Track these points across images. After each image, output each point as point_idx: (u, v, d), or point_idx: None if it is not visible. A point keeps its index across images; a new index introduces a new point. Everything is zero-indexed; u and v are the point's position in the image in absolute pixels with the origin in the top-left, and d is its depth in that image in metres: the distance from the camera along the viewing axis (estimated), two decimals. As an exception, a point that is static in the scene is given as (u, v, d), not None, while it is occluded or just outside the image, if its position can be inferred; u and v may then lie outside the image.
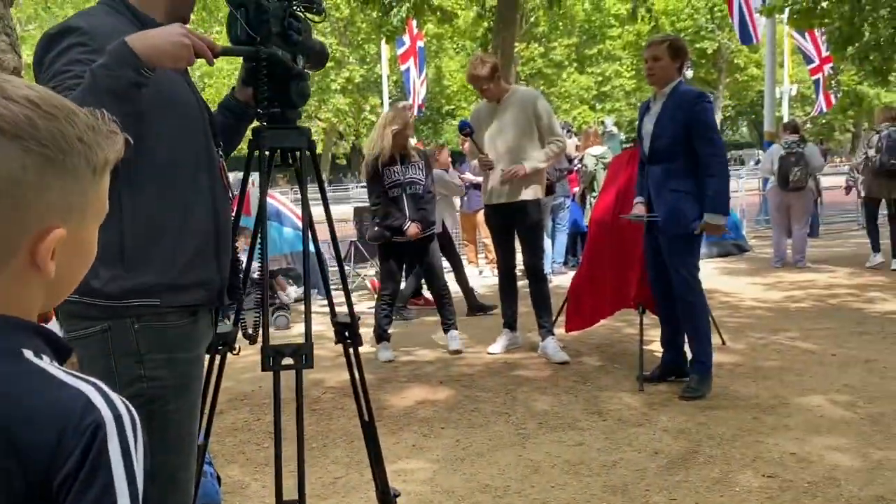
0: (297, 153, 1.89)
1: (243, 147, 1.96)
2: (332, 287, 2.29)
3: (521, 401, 3.77)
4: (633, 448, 3.07)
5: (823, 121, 32.26)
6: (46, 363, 0.72)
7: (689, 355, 3.88)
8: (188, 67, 1.50)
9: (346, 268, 7.69)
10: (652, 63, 3.77)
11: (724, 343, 4.61)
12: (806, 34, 14.96)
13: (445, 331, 4.90)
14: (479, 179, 5.39)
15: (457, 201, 7.89)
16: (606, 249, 4.44)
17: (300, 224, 2.59)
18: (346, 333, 1.98)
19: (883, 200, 7.48)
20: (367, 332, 5.45)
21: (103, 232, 0.80)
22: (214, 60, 1.49)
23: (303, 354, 1.79)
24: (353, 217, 8.11)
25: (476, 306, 6.14)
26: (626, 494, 2.66)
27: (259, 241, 1.87)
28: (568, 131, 8.25)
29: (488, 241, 7.17)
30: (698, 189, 3.65)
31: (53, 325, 1.84)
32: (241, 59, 1.77)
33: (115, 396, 0.71)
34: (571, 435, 3.25)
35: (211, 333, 1.69)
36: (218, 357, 1.92)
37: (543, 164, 4.55)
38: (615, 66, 32.45)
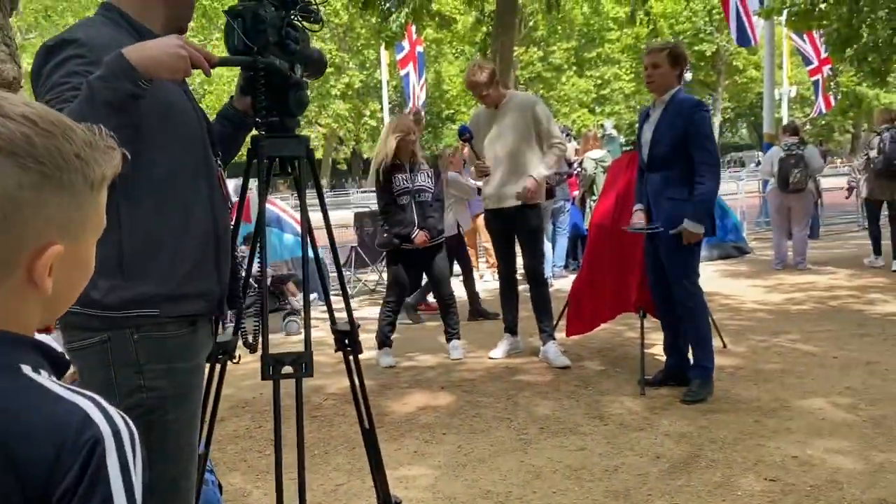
0: (296, 161, 1.89)
1: (243, 153, 1.96)
2: (331, 294, 2.29)
3: (522, 406, 3.77)
4: (635, 452, 3.07)
5: (823, 122, 32.26)
6: (45, 378, 0.72)
7: (691, 360, 3.88)
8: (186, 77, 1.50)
9: (347, 273, 7.72)
10: (651, 70, 3.78)
11: (725, 346, 4.61)
12: (804, 36, 14.98)
13: (448, 339, 4.90)
14: (480, 184, 5.40)
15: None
16: (606, 253, 4.44)
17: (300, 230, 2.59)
18: (346, 341, 1.98)
19: (884, 202, 7.49)
20: (368, 337, 5.47)
21: (102, 243, 0.81)
22: (211, 71, 1.49)
23: (302, 363, 1.79)
24: (353, 222, 8.12)
25: (479, 312, 6.15)
26: (628, 499, 2.65)
27: (258, 249, 1.87)
28: (567, 135, 8.26)
29: (489, 245, 7.17)
30: None
31: (45, 338, 1.84)
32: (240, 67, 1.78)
33: (113, 411, 0.72)
34: (573, 440, 3.25)
35: (211, 343, 1.69)
36: (218, 366, 1.92)
37: (551, 170, 4.59)
38: (614, 69, 32.49)
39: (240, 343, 1.99)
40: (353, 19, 25.93)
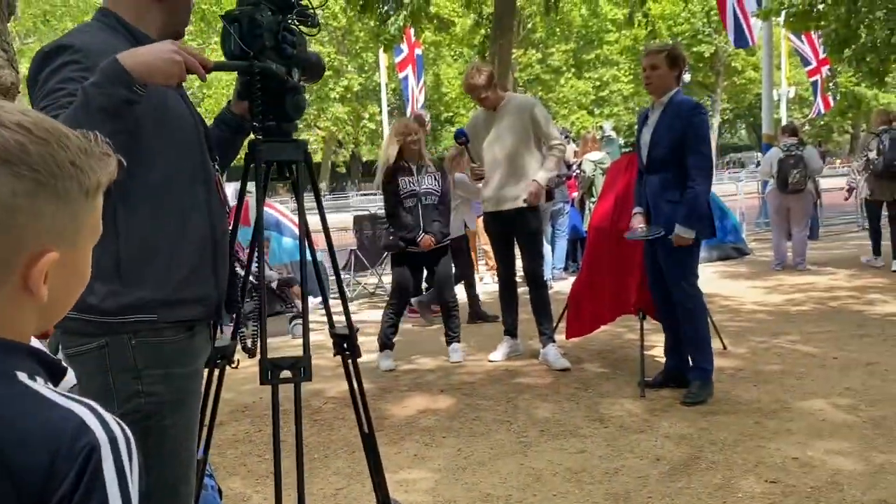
0: (294, 165, 1.89)
1: (241, 157, 1.96)
2: (330, 298, 2.29)
3: (522, 408, 3.76)
4: (635, 455, 3.06)
5: (822, 123, 32.29)
6: (40, 385, 0.72)
7: (691, 361, 3.88)
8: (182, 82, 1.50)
9: (347, 276, 7.72)
10: (650, 72, 3.78)
11: (724, 348, 4.60)
12: (803, 36, 14.99)
13: (448, 343, 4.89)
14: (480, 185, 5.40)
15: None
16: (606, 255, 4.44)
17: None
18: (345, 345, 1.98)
19: (885, 202, 7.50)
20: (368, 340, 5.46)
21: (99, 248, 0.81)
22: (209, 75, 1.49)
23: (301, 367, 1.79)
24: (352, 226, 8.12)
25: (479, 315, 6.15)
26: (629, 502, 2.65)
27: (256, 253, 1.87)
28: (566, 137, 8.26)
29: (488, 247, 7.17)
30: None
31: (37, 343, 1.83)
32: None
33: (109, 417, 0.72)
34: (573, 442, 3.25)
35: (209, 347, 1.69)
36: (217, 371, 1.92)
37: (553, 172, 4.60)
38: (613, 70, 32.52)
39: (239, 347, 1.99)
40: (351, 22, 25.96)
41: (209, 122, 1.83)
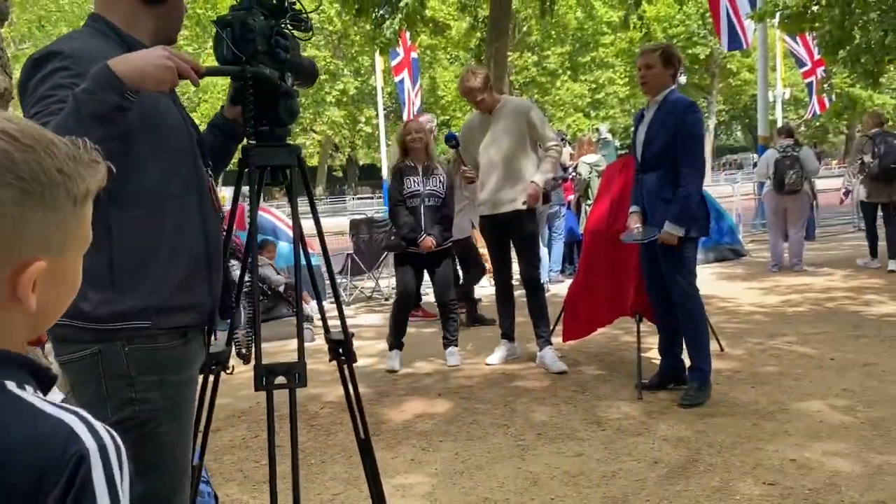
0: (288, 170, 1.88)
1: (236, 161, 1.96)
2: (325, 302, 2.28)
3: (519, 412, 3.75)
4: (633, 458, 3.06)
5: (817, 124, 32.39)
6: (30, 394, 0.72)
7: (687, 362, 3.87)
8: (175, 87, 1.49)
9: (344, 280, 7.71)
10: (645, 71, 3.79)
11: (722, 349, 4.60)
12: (797, 38, 15.03)
13: (445, 346, 4.89)
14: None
15: None
16: (602, 258, 4.44)
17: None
18: (340, 351, 1.97)
19: (879, 204, 7.52)
20: (365, 344, 5.45)
21: (91, 255, 0.80)
22: (204, 80, 1.49)
23: (296, 373, 1.78)
24: (349, 229, 8.11)
25: (476, 318, 6.14)
26: (627, 505, 2.64)
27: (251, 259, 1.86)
28: (562, 139, 8.27)
29: (485, 251, 7.17)
30: None
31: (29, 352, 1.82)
32: None
33: (99, 426, 0.71)
34: (571, 445, 3.24)
35: (203, 354, 1.68)
36: (211, 377, 1.91)
37: (550, 174, 4.61)
38: (608, 73, 32.59)
39: (234, 353, 1.98)
40: (346, 26, 25.98)
41: (205, 127, 1.83)
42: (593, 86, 32.78)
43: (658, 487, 2.76)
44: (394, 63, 15.74)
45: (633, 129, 4.11)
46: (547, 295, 4.99)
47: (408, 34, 11.21)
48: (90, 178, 0.75)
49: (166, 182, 1.51)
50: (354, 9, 8.89)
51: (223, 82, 24.18)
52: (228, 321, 1.89)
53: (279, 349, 5.58)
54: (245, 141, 1.83)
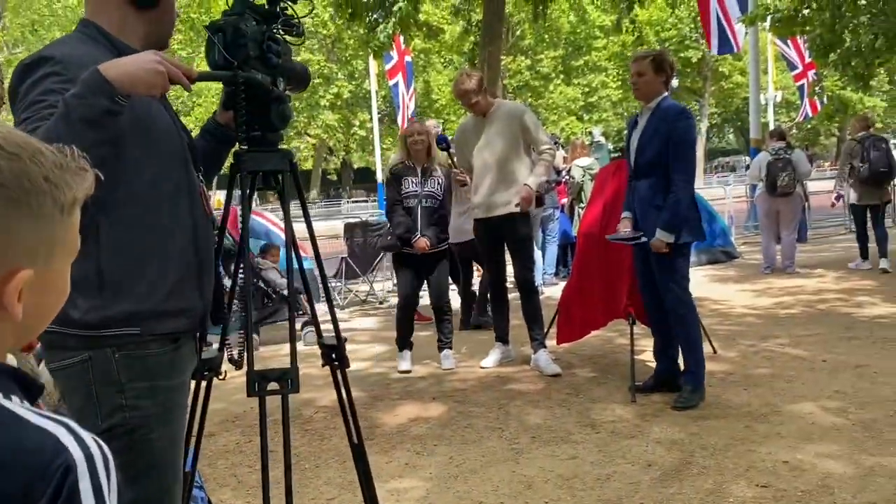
0: (280, 175, 1.88)
1: (228, 165, 1.95)
2: (320, 307, 2.28)
3: (514, 415, 3.75)
4: (627, 461, 3.06)
5: (809, 126, 32.55)
6: (15, 404, 0.71)
7: (682, 365, 3.88)
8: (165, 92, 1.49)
9: (338, 284, 7.69)
10: (636, 78, 3.82)
11: (715, 352, 4.61)
12: (789, 41, 15.12)
13: (440, 349, 4.89)
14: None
15: None
16: (595, 261, 4.45)
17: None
18: (333, 356, 1.97)
19: (868, 206, 7.57)
20: (358, 348, 5.44)
21: (81, 262, 0.80)
22: (198, 85, 1.48)
23: (288, 379, 1.78)
24: (343, 233, 8.10)
25: (480, 322, 6.13)
26: (620, 508, 2.64)
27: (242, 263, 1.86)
28: (556, 143, 8.29)
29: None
30: None
31: (11, 360, 1.81)
32: None
33: (86, 435, 0.71)
34: (565, 448, 3.24)
35: (195, 360, 1.67)
36: (204, 382, 1.90)
37: (543, 177, 4.62)
38: (601, 76, 32.67)
39: (226, 358, 1.97)
40: (340, 30, 25.98)
41: (197, 132, 1.82)
42: (586, 89, 32.85)
43: (652, 490, 2.76)
44: (388, 67, 15.77)
45: (626, 134, 4.12)
46: (541, 298, 4.98)
47: (401, 38, 11.22)
48: (77, 187, 0.74)
49: (157, 186, 1.50)
50: (348, 13, 8.91)
51: (217, 88, 24.14)
52: (220, 326, 1.88)
53: (274, 353, 5.57)
54: (237, 146, 1.82)
